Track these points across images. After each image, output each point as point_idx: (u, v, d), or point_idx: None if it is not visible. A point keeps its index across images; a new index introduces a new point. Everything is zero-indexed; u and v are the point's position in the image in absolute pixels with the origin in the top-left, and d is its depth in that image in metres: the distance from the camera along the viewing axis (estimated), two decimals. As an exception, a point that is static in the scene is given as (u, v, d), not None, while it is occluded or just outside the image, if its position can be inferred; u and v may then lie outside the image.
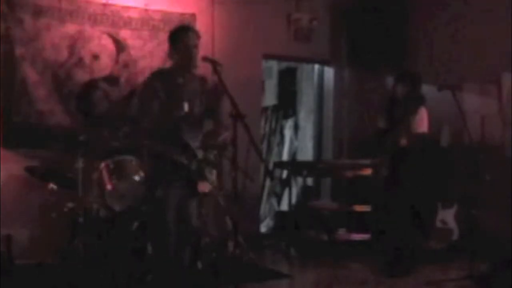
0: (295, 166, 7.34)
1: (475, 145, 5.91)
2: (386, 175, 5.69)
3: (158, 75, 4.27)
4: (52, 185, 5.17)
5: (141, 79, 6.41)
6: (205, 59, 4.15)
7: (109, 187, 5.18)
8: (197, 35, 4.25)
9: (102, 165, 5.30)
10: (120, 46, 6.37)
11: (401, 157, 5.59)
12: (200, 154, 4.22)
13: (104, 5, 6.29)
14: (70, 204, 5.23)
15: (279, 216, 8.03)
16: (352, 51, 7.69)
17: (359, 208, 6.58)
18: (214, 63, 4.10)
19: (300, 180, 7.84)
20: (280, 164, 8.11)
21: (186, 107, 4.16)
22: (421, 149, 5.67)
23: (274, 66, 8.64)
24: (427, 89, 6.14)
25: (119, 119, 5.53)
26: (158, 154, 4.14)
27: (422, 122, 5.57)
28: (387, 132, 5.72)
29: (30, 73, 5.97)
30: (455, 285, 5.29)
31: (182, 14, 6.62)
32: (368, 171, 6.46)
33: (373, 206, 6.22)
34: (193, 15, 6.67)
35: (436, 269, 5.81)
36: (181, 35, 4.21)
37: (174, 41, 4.24)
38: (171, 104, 4.12)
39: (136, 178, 5.26)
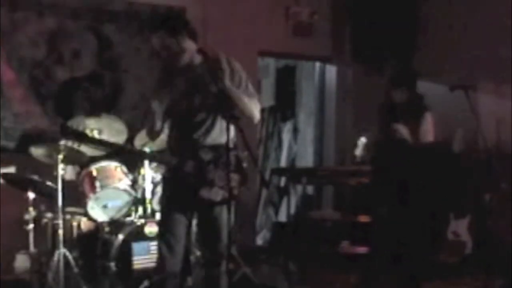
0: (294, 173, 7.37)
1: (490, 150, 5.95)
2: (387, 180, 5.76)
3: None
4: (29, 194, 5.19)
5: (126, 77, 6.47)
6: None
7: (91, 196, 5.21)
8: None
9: (84, 172, 5.33)
10: (103, 42, 6.41)
11: (406, 163, 5.65)
12: (207, 154, 3.89)
13: (86, -3, 6.34)
14: (49, 215, 5.26)
15: (277, 227, 8.05)
16: (356, 47, 7.74)
17: (363, 218, 6.60)
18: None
19: (299, 188, 7.86)
20: (278, 171, 8.13)
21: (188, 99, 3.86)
22: (431, 154, 5.72)
23: (271, 64, 8.66)
24: (438, 89, 6.19)
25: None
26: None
27: (427, 131, 5.40)
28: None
29: (5, 72, 5.99)
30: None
31: (171, 8, 6.65)
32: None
33: (376, 216, 6.25)
34: (182, 9, 6.70)
35: (448, 284, 5.85)
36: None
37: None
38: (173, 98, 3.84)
39: (121, 186, 5.29)
